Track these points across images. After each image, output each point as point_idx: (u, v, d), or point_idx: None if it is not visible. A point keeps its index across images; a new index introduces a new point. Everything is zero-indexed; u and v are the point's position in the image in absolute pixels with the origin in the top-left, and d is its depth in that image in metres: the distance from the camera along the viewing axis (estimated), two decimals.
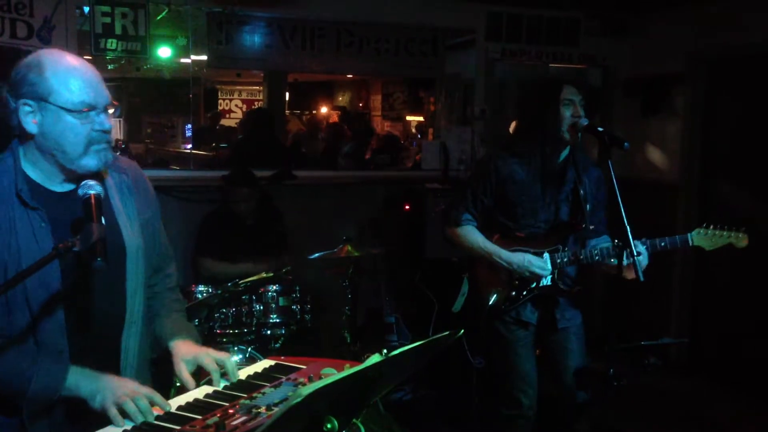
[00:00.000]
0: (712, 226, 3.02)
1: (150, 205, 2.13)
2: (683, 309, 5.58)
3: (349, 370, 1.51)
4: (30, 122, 1.81)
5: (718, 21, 5.13)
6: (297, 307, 4.11)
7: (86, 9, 4.56)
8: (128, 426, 1.72)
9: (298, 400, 1.33)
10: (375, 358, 1.56)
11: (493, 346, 3.27)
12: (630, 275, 2.81)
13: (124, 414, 1.74)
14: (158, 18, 5.00)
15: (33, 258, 1.76)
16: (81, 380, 1.80)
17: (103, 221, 1.75)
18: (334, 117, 12.20)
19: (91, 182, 1.81)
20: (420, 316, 5.13)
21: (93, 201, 1.76)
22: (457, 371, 4.65)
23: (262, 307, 3.97)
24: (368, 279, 5.05)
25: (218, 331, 3.86)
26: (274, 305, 4.02)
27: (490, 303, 3.13)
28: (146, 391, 1.80)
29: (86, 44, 4.57)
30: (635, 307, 5.35)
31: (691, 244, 3.03)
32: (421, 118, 11.42)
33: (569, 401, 3.23)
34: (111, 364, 1.93)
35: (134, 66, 6.68)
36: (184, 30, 5.23)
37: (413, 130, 11.64)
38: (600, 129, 2.96)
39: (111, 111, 1.89)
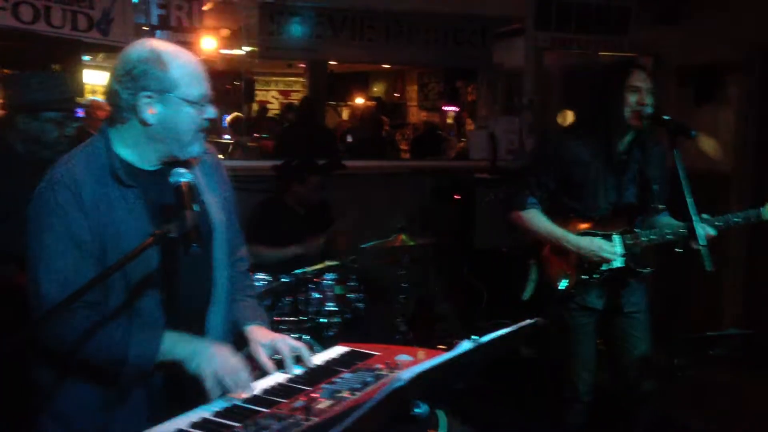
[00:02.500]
0: None
1: (228, 185, 2.22)
2: (737, 299, 5.50)
3: (443, 356, 1.53)
4: (148, 113, 1.88)
5: None
6: (352, 295, 4.14)
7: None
8: (220, 408, 1.77)
9: (401, 383, 1.36)
10: (466, 345, 1.57)
11: (553, 331, 3.24)
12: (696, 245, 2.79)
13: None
14: (208, 9, 5.06)
15: (131, 234, 1.84)
16: (177, 343, 1.87)
17: (196, 208, 1.79)
18: (371, 108, 12.23)
19: (182, 170, 1.86)
20: (469, 305, 5.14)
21: (185, 188, 1.81)
22: (508, 359, 4.65)
23: (319, 296, 4.01)
24: (418, 269, 5.07)
25: (276, 318, 3.91)
26: (330, 293, 4.05)
27: (561, 287, 3.09)
28: (240, 364, 1.88)
29: (142, 36, 4.64)
30: (688, 296, 5.28)
31: (764, 218, 2.99)
32: (457, 109, 11.38)
33: (630, 390, 3.20)
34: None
35: None
36: (234, 21, 5.29)
37: (449, 121, 11.61)
38: (666, 117, 2.92)
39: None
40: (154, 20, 4.65)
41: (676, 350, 2.78)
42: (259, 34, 5.11)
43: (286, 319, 3.94)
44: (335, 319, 4.07)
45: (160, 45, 1.92)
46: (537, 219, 3.16)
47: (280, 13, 5.07)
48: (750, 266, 5.46)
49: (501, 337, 1.69)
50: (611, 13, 5.77)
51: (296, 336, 3.79)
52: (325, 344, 3.33)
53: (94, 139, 1.97)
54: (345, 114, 13.02)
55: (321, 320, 4.03)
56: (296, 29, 5.21)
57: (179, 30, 4.78)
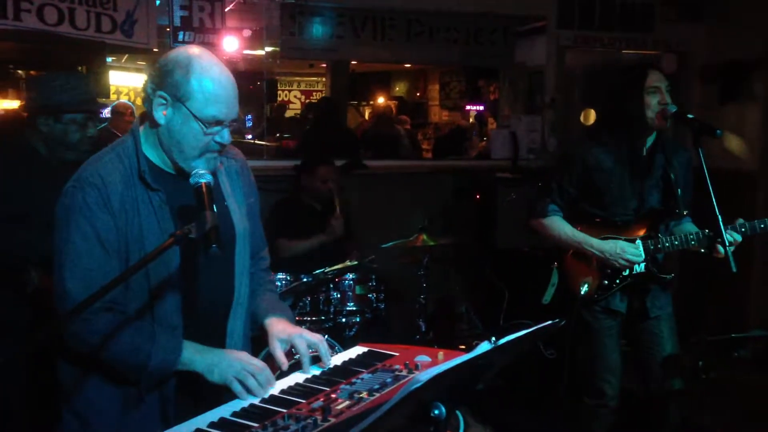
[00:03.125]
0: None
1: (253, 191, 2.21)
2: (763, 300, 5.42)
3: (462, 357, 1.51)
4: (160, 113, 1.88)
5: None
6: (372, 295, 4.14)
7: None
8: (238, 408, 1.77)
9: (418, 385, 1.35)
10: (485, 346, 1.56)
11: (578, 335, 3.22)
12: (721, 255, 2.75)
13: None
14: (228, 10, 5.08)
15: (155, 237, 1.86)
16: (195, 355, 1.88)
17: (215, 208, 1.80)
18: (392, 107, 12.21)
19: (201, 171, 1.87)
20: (490, 305, 5.12)
21: (204, 189, 1.81)
22: (529, 360, 4.63)
23: (339, 295, 4.02)
24: (439, 268, 5.05)
25: (297, 317, 3.92)
26: (350, 293, 4.06)
27: (582, 293, 3.08)
28: (260, 364, 1.88)
29: (165, 37, 4.69)
30: (712, 298, 5.22)
31: None
32: (480, 107, 11.32)
33: (658, 391, 3.16)
34: (217, 344, 1.99)
35: None
36: (256, 22, 5.31)
37: (471, 120, 11.55)
38: (690, 116, 2.89)
39: (234, 125, 1.95)
40: (177, 21, 4.68)
41: (700, 352, 2.73)
42: (281, 35, 5.13)
43: (307, 318, 3.95)
44: (355, 319, 4.08)
45: (201, 56, 1.89)
46: (559, 225, 3.15)
47: (301, 13, 5.09)
48: None
49: (520, 338, 1.67)
50: (635, 10, 5.70)
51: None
52: (345, 344, 3.34)
53: (125, 139, 1.98)
54: (367, 114, 13.02)
55: (341, 320, 4.04)
56: (317, 29, 5.23)
57: (201, 31, 4.81)
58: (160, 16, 4.74)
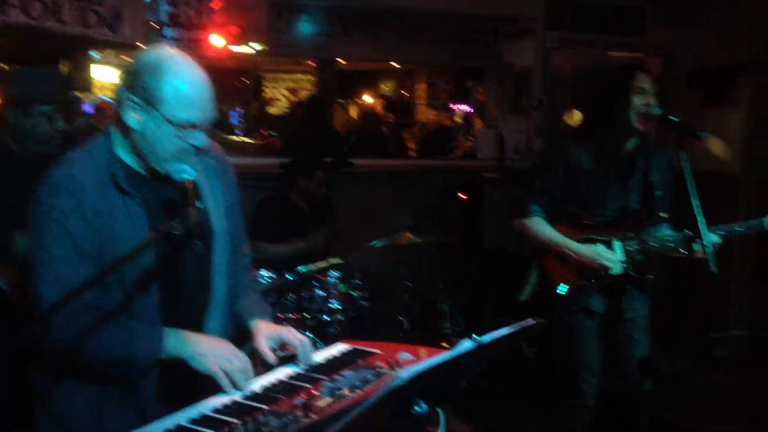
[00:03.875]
0: None
1: (233, 189, 2.16)
2: (743, 301, 5.47)
3: (444, 355, 1.52)
4: (132, 117, 1.82)
5: None
6: (356, 293, 4.14)
7: None
8: (219, 404, 1.77)
9: (399, 382, 1.36)
10: (467, 344, 1.57)
11: (557, 335, 3.25)
12: (701, 256, 2.78)
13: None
14: (217, 7, 5.06)
15: (130, 242, 1.80)
16: (179, 341, 1.85)
17: (204, 207, 1.79)
18: (380, 106, 12.21)
19: (186, 167, 1.85)
20: (474, 304, 5.13)
21: (189, 186, 1.81)
22: (511, 359, 4.65)
23: (323, 293, 4.02)
24: (425, 267, 5.06)
25: (280, 315, 3.91)
26: (334, 291, 4.06)
27: (560, 293, 3.11)
28: (244, 358, 1.88)
29: (152, 33, 4.66)
30: (692, 299, 5.26)
31: (766, 228, 2.97)
32: (467, 108, 11.35)
33: (634, 392, 3.20)
34: None
35: (195, 55, 6.78)
36: (243, 19, 5.29)
37: (458, 120, 11.57)
38: (673, 118, 2.91)
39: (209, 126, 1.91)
40: (164, 17, 4.66)
41: (679, 353, 2.76)
42: (269, 32, 5.12)
43: (290, 316, 3.95)
44: (339, 317, 4.07)
45: (172, 57, 1.84)
46: (539, 226, 3.18)
47: (289, 10, 5.08)
48: (756, 268, 5.43)
49: (502, 337, 1.68)
50: (622, 13, 5.74)
51: (302, 333, 3.79)
52: (329, 342, 3.33)
53: (97, 139, 1.93)
54: (354, 112, 13.02)
55: (325, 318, 4.03)
56: (305, 27, 5.22)
57: (188, 27, 4.80)
58: (148, 12, 4.71)
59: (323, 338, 3.73)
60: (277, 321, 3.85)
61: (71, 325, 1.79)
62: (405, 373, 1.38)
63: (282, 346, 2.07)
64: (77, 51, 4.41)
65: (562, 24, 5.65)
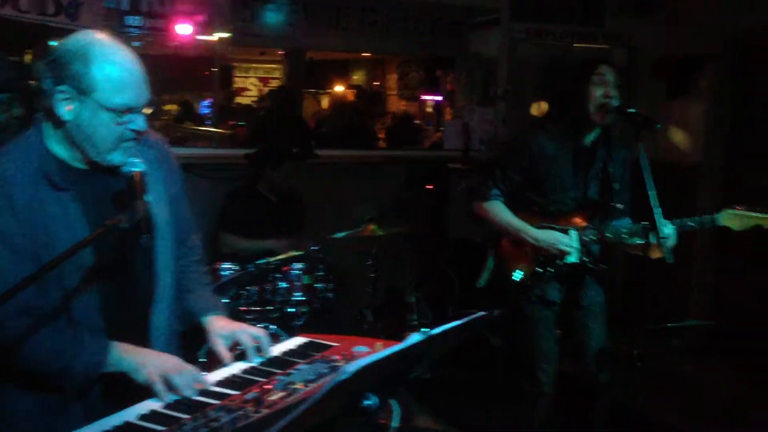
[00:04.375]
0: (739, 207, 3.00)
1: (176, 178, 2.11)
2: (703, 290, 5.57)
3: (391, 348, 1.52)
4: (64, 109, 1.75)
5: (751, 1, 5.05)
6: (321, 285, 4.13)
7: None
8: (168, 399, 1.75)
9: (345, 376, 1.36)
10: (416, 337, 1.57)
11: (515, 324, 3.28)
12: (656, 255, 2.81)
13: (168, 388, 1.77)
14: None
15: (65, 239, 1.75)
16: (123, 355, 1.82)
17: (148, 198, 1.76)
18: (351, 96, 12.17)
19: (135, 159, 1.81)
20: (441, 295, 5.15)
21: (137, 178, 1.76)
22: (475, 350, 4.68)
23: (286, 285, 4.00)
24: (391, 258, 5.06)
25: (243, 308, 3.89)
26: (298, 283, 4.04)
27: (516, 279, 3.13)
28: (190, 367, 1.83)
29: (112, 21, 4.58)
30: (654, 288, 5.33)
31: (719, 224, 3.01)
32: (438, 98, 11.35)
33: (590, 380, 3.25)
34: (141, 340, 1.93)
35: (157, 43, 6.69)
36: (207, 7, 5.22)
37: (429, 110, 11.57)
38: (631, 110, 2.94)
39: (148, 110, 1.87)
40: (125, 5, 4.58)
41: (636, 341, 2.80)
42: (233, 21, 5.06)
43: (253, 308, 3.93)
44: (303, 309, 4.06)
45: (98, 41, 1.77)
46: (498, 210, 3.20)
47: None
48: (717, 258, 5.51)
49: (452, 329, 1.69)
50: (586, 4, 5.77)
51: (263, 326, 3.78)
52: (293, 334, 3.32)
53: (29, 133, 1.85)
54: (325, 102, 12.95)
55: (289, 310, 4.02)
56: (270, 16, 5.16)
57: (151, 15, 4.72)
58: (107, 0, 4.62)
59: (288, 330, 3.71)
60: (240, 314, 3.88)
61: (10, 328, 1.74)
62: (350, 367, 1.38)
63: (236, 344, 2.05)
64: (36, 40, 4.31)
65: (527, 15, 5.66)
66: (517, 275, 3.15)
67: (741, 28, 5.18)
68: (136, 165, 1.78)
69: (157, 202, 1.96)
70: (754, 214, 2.98)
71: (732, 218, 3.00)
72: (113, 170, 1.83)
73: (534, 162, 3.13)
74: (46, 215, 1.77)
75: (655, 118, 2.88)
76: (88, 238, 1.64)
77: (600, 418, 3.30)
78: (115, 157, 1.81)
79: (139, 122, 1.81)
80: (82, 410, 1.84)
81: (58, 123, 1.79)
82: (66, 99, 1.75)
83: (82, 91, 1.73)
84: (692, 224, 3.00)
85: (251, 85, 14.04)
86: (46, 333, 1.77)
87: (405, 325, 4.72)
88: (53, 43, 1.83)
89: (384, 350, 1.52)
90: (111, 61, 1.75)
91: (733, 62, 5.36)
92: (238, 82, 13.69)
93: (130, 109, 1.79)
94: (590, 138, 3.13)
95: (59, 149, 1.83)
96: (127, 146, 1.82)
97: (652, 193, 2.78)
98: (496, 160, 3.29)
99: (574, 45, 5.80)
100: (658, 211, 2.80)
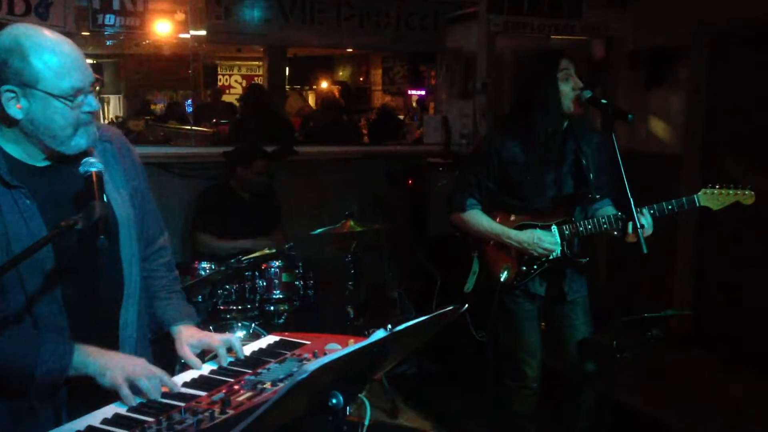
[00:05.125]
0: (717, 186, 3.01)
1: (137, 172, 2.08)
2: (686, 281, 5.59)
3: (353, 346, 1.51)
4: (14, 107, 1.74)
5: None
6: (300, 282, 4.11)
7: None
8: (135, 403, 1.73)
9: (304, 375, 1.34)
10: (380, 333, 1.56)
11: (499, 319, 3.27)
12: (632, 240, 2.81)
13: (134, 391, 1.75)
14: None
15: (22, 239, 1.73)
16: (88, 358, 1.79)
17: (106, 198, 1.73)
18: (335, 92, 12.15)
19: (92, 159, 1.78)
20: (423, 291, 5.14)
21: (95, 178, 1.73)
22: (461, 345, 4.68)
23: (265, 283, 3.98)
24: (371, 254, 5.05)
25: (222, 307, 3.87)
26: (277, 281, 4.02)
27: (502, 279, 3.12)
28: (156, 370, 1.81)
29: (84, 20, 4.53)
30: (638, 279, 5.35)
31: (698, 204, 3.01)
32: (422, 92, 11.35)
33: (574, 373, 3.24)
34: (110, 339, 1.91)
35: (133, 42, 6.64)
36: (182, 5, 5.18)
37: (414, 105, 11.58)
38: (604, 101, 2.93)
39: (97, 88, 1.85)
40: (96, 3, 4.52)
41: (615, 333, 2.80)
42: (207, 19, 5.02)
43: (233, 307, 3.90)
44: (283, 307, 4.05)
45: (27, 33, 1.75)
46: (477, 218, 3.20)
47: None
48: (699, 251, 5.54)
49: (418, 324, 1.68)
50: None
51: (246, 324, 3.76)
52: (275, 332, 3.31)
53: None
54: (311, 99, 12.94)
55: (269, 308, 4.01)
56: (245, 13, 5.12)
57: (124, 14, 4.67)
58: None
59: (268, 329, 3.69)
60: (219, 313, 3.85)
61: None
62: (310, 366, 1.36)
63: (206, 351, 2.04)
64: None
65: (504, 8, 5.65)
66: (504, 275, 3.14)
67: (716, 19, 5.19)
68: (94, 165, 1.76)
69: (117, 197, 1.95)
70: (731, 191, 3.00)
71: (710, 198, 3.01)
72: (80, 158, 1.81)
73: (506, 169, 3.12)
74: (2, 214, 1.75)
75: (627, 110, 2.87)
76: (43, 239, 1.62)
77: (584, 410, 3.29)
78: (80, 141, 1.81)
79: (91, 103, 1.81)
80: (52, 415, 1.82)
81: (11, 122, 1.77)
82: (13, 98, 1.73)
83: (27, 85, 1.72)
84: (670, 207, 3.00)
85: (235, 82, 14.01)
86: (8, 336, 1.75)
87: (388, 321, 4.71)
88: None
89: (345, 348, 1.50)
90: (47, 49, 1.74)
91: (708, 53, 5.37)
92: (222, 80, 13.65)
93: (79, 91, 1.78)
94: (559, 135, 3.11)
95: (11, 148, 1.82)
96: (87, 129, 1.82)
97: (627, 185, 2.77)
98: (470, 168, 3.27)
99: (552, 37, 5.79)
100: (632, 203, 2.80)
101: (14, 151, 1.82)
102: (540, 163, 3.10)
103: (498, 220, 3.20)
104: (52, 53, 1.74)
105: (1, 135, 1.81)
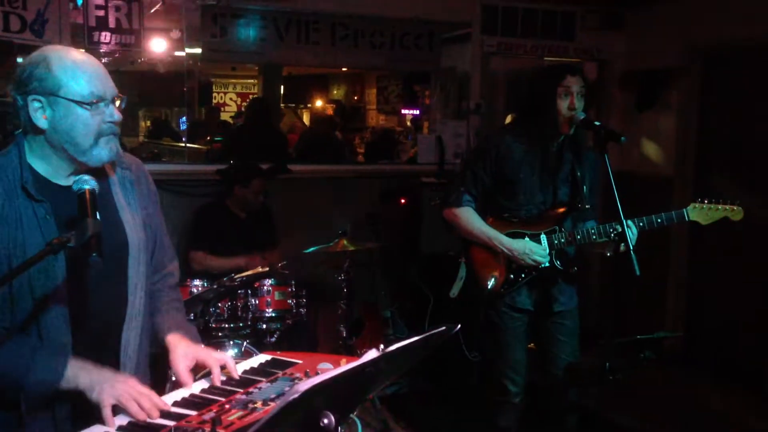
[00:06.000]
0: (707, 201, 3.03)
1: (152, 200, 2.15)
2: (678, 302, 5.60)
3: (346, 366, 1.50)
4: (40, 118, 1.82)
5: (715, 14, 5.13)
6: (292, 301, 4.10)
7: (79, 2, 4.54)
8: (114, 424, 1.72)
9: (296, 396, 1.33)
10: (372, 354, 1.55)
11: (485, 334, 3.27)
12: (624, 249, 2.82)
13: (117, 412, 1.74)
14: (152, 11, 4.97)
15: (38, 251, 1.75)
16: (80, 372, 1.80)
17: (98, 216, 1.74)
18: (330, 111, 12.19)
19: (86, 177, 1.81)
20: (416, 310, 5.14)
21: (87, 196, 1.75)
22: (454, 364, 4.67)
23: (257, 302, 3.97)
24: (364, 273, 5.04)
25: (214, 325, 3.85)
26: (269, 300, 4.01)
27: (489, 287, 3.11)
28: (146, 390, 1.80)
29: (79, 37, 4.55)
30: (630, 300, 5.36)
31: (687, 218, 3.03)
32: (416, 112, 11.40)
33: (558, 393, 3.23)
34: (111, 359, 1.93)
35: (128, 60, 6.65)
36: (178, 23, 5.20)
37: (408, 124, 11.62)
38: (596, 123, 2.95)
39: (118, 102, 1.91)
40: (92, 21, 4.54)
41: (607, 354, 2.80)
42: (202, 37, 5.05)
43: (224, 326, 3.89)
44: (276, 326, 4.03)
45: (54, 48, 1.88)
46: (470, 216, 3.18)
47: (222, 15, 5.01)
48: (691, 270, 5.56)
49: (410, 345, 1.67)
50: (557, 18, 5.83)
51: (238, 342, 3.74)
52: (266, 351, 3.29)
53: (9, 149, 1.91)
54: (305, 117, 12.97)
55: (261, 326, 3.99)
56: (240, 32, 5.15)
57: (119, 31, 4.69)
58: (76, 16, 4.59)
59: (260, 348, 3.67)
60: (211, 331, 3.83)
61: None
62: (302, 386, 1.35)
63: (200, 366, 2.03)
64: (1, 57, 4.27)
65: (498, 29, 5.70)
66: (491, 282, 3.13)
67: (706, 42, 5.26)
68: (87, 182, 1.78)
69: (131, 222, 2.00)
70: (720, 206, 3.02)
71: (699, 212, 3.03)
72: (98, 172, 1.88)
73: (502, 164, 3.13)
74: (23, 226, 1.81)
75: (620, 132, 2.90)
76: (36, 255, 1.63)
77: (568, 430, 3.28)
78: (101, 153, 1.88)
79: (112, 112, 1.87)
80: (52, 428, 1.83)
81: (37, 131, 1.85)
82: (39, 108, 1.82)
83: (50, 92, 1.81)
84: (660, 220, 3.02)
85: (230, 100, 14.03)
86: (8, 347, 1.77)
87: (381, 340, 4.70)
88: (20, 60, 1.88)
89: (337, 369, 1.50)
90: (69, 58, 1.85)
91: (699, 75, 5.43)
92: (217, 98, 13.66)
93: (100, 99, 1.85)
94: (556, 144, 3.13)
95: (39, 164, 1.89)
96: (108, 141, 1.88)
97: (618, 205, 2.79)
98: (467, 163, 3.29)
99: (545, 59, 5.84)
100: (624, 222, 2.82)
101: (41, 167, 1.89)
102: (534, 165, 3.11)
103: (489, 223, 3.19)
104: (73, 62, 1.84)
105: (30, 151, 1.89)
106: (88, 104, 1.83)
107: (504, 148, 3.13)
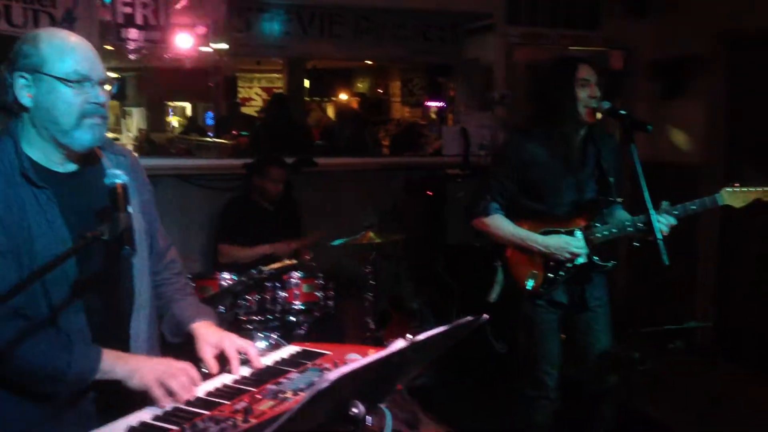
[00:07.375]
0: (738, 184, 2.99)
1: (146, 188, 2.14)
2: (707, 292, 5.54)
3: (374, 356, 1.52)
4: (25, 95, 1.82)
5: (745, 1, 5.04)
6: (320, 293, 4.13)
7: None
8: (159, 411, 1.75)
9: (326, 384, 1.35)
10: (399, 344, 1.57)
11: (519, 328, 3.26)
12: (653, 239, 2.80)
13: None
14: (178, 6, 5.02)
15: (45, 237, 1.79)
16: (117, 362, 1.82)
17: (130, 210, 1.76)
18: (354, 104, 12.20)
19: (118, 171, 1.82)
20: (442, 301, 5.14)
21: (120, 190, 1.76)
22: (481, 356, 4.67)
23: (285, 294, 4.00)
24: (390, 265, 5.06)
25: (243, 317, 3.89)
26: (297, 292, 4.03)
27: (528, 288, 3.10)
28: (183, 365, 1.84)
29: (108, 34, 4.61)
30: (659, 287, 5.31)
31: (720, 203, 2.99)
32: (441, 104, 11.37)
33: (595, 383, 3.22)
34: (121, 349, 1.93)
35: (155, 55, 6.72)
36: (203, 19, 5.25)
37: (433, 116, 11.59)
38: (622, 112, 2.93)
39: (108, 87, 1.89)
40: (120, 18, 4.61)
41: (636, 344, 2.79)
42: (228, 32, 5.09)
43: (254, 318, 3.92)
44: (304, 318, 4.06)
45: (47, 29, 1.90)
46: (500, 223, 3.17)
47: (249, 9, 5.06)
48: (721, 261, 5.49)
49: (438, 335, 1.68)
50: (580, 7, 5.77)
51: (267, 335, 3.78)
52: (295, 343, 3.32)
53: (2, 138, 1.89)
54: (330, 110, 13.00)
55: (290, 319, 4.02)
56: (266, 26, 5.20)
57: (146, 28, 4.75)
58: (103, 12, 4.65)
59: (290, 340, 3.71)
60: (240, 323, 3.88)
61: (1, 331, 1.75)
62: (331, 375, 1.37)
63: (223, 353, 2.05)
64: None
65: (521, 19, 5.67)
66: (530, 284, 3.12)
67: (734, 29, 5.17)
68: (119, 176, 1.79)
69: (131, 210, 1.97)
70: (753, 189, 2.98)
71: (732, 196, 2.99)
72: (95, 164, 1.88)
73: (526, 170, 3.11)
74: (27, 213, 1.81)
75: (646, 120, 2.88)
76: (70, 249, 1.66)
77: (603, 421, 3.26)
78: (84, 136, 1.85)
79: (97, 94, 1.85)
80: (76, 419, 1.85)
81: (22, 110, 1.83)
82: (25, 86, 1.81)
83: (35, 68, 1.80)
84: (694, 207, 2.99)
85: (255, 94, 14.09)
86: (39, 338, 1.78)
87: (408, 332, 4.71)
88: None
89: (365, 358, 1.52)
90: (58, 38, 1.84)
91: (727, 62, 5.35)
92: (242, 93, 13.73)
93: (85, 78, 1.83)
94: (580, 139, 3.11)
95: (33, 152, 1.88)
96: (93, 123, 1.86)
97: (646, 195, 2.77)
98: (491, 172, 3.26)
99: (570, 48, 5.79)
100: (652, 213, 2.80)
101: (35, 155, 1.88)
102: (559, 165, 3.09)
103: (520, 227, 3.17)
104: (61, 40, 1.83)
105: (23, 137, 1.87)
106: (71, 82, 1.80)
107: (526, 155, 3.10)
